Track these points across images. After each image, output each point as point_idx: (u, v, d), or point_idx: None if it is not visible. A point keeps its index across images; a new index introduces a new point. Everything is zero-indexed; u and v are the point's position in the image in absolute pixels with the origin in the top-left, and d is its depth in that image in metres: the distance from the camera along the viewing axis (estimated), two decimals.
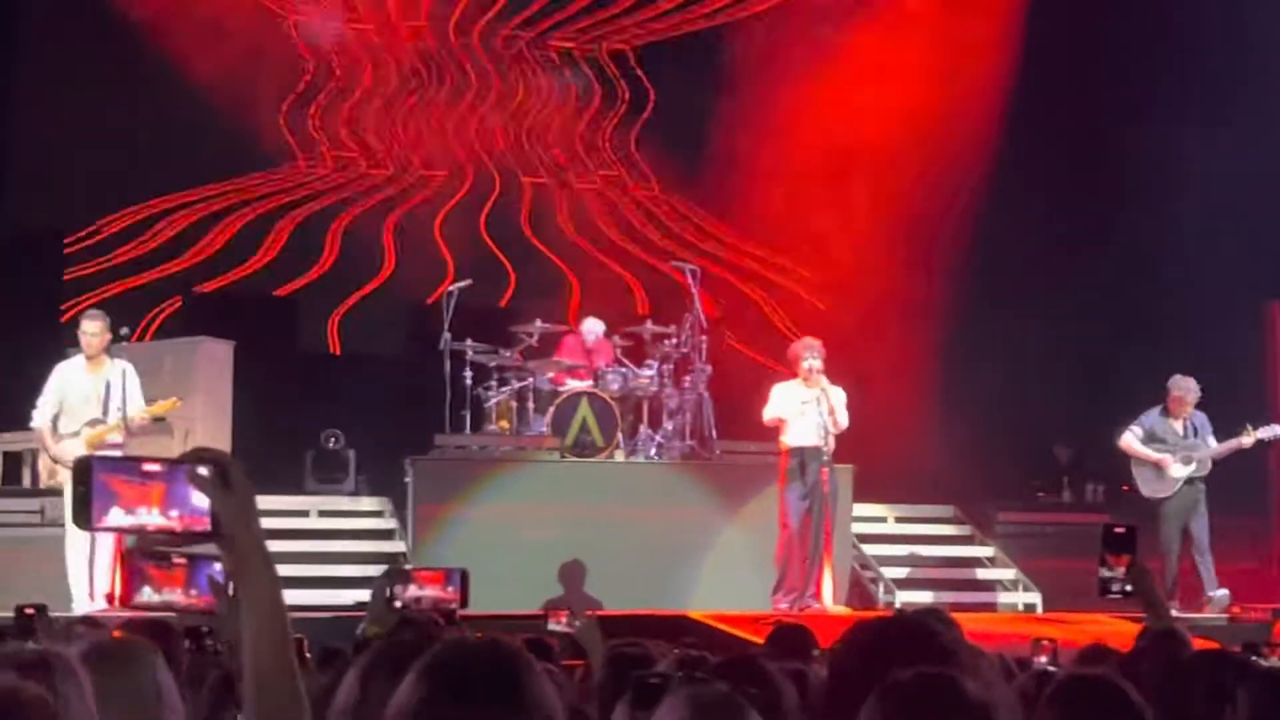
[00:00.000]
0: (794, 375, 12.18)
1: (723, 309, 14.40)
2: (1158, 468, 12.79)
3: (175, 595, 2.42)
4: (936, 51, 16.12)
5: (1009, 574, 13.89)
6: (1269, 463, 14.87)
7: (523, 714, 2.14)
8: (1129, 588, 4.22)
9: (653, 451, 13.62)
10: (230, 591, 2.39)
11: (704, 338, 13.97)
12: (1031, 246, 16.22)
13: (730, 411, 13.87)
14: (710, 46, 17.60)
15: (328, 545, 13.05)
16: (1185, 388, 12.81)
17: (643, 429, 13.68)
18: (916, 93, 15.87)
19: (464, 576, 4.89)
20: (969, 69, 16.04)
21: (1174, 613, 11.86)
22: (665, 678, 3.14)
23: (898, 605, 12.56)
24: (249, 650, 2.21)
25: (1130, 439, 12.92)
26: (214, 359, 13.71)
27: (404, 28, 17.64)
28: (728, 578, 12.96)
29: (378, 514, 13.73)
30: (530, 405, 13.68)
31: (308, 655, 5.07)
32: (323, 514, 13.66)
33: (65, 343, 12.16)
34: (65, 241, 15.94)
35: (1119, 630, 9.27)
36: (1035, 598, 13.52)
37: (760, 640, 7.53)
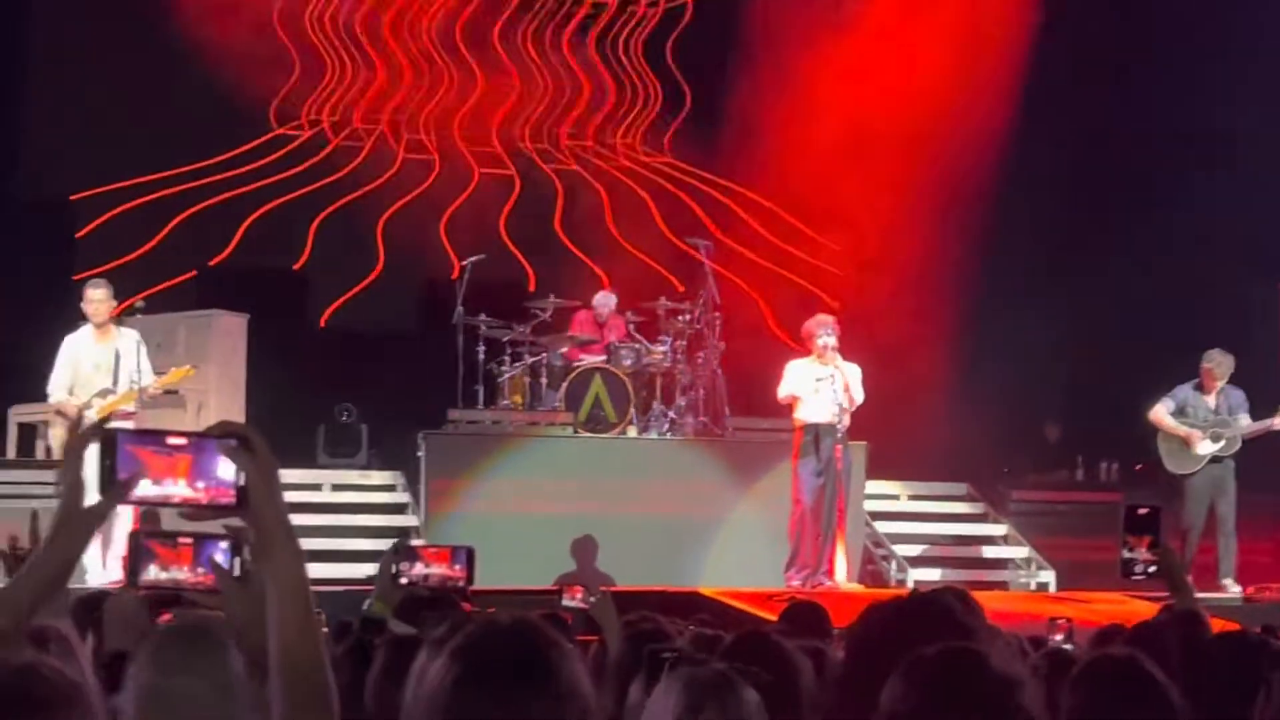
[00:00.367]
0: (808, 352, 12.13)
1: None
2: (1185, 443, 12.51)
3: (182, 574, 2.40)
4: (957, 26, 16.03)
5: (1022, 552, 13.86)
6: None
7: (554, 696, 2.12)
8: (1153, 569, 4.18)
9: (665, 428, 13.61)
10: (238, 571, 2.37)
11: (718, 314, 13.94)
12: (1053, 225, 16.16)
13: (744, 388, 13.85)
14: (728, 17, 17.53)
15: (340, 519, 13.05)
16: (1217, 361, 12.48)
17: (656, 405, 13.65)
18: (937, 64, 15.79)
19: (470, 554, 4.87)
20: (990, 42, 15.96)
21: None
22: (678, 652, 3.12)
23: (911, 584, 12.54)
24: (274, 626, 2.19)
25: (1160, 411, 12.61)
26: (228, 332, 13.73)
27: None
28: (740, 554, 12.95)
29: (390, 488, 13.73)
30: (543, 380, 13.67)
31: (325, 629, 5.06)
32: (335, 488, 13.67)
33: (78, 316, 12.15)
34: (77, 211, 15.92)
35: (1134, 610, 9.23)
36: (1049, 576, 13.49)
37: (773, 617, 7.52)
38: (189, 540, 2.41)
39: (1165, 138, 15.92)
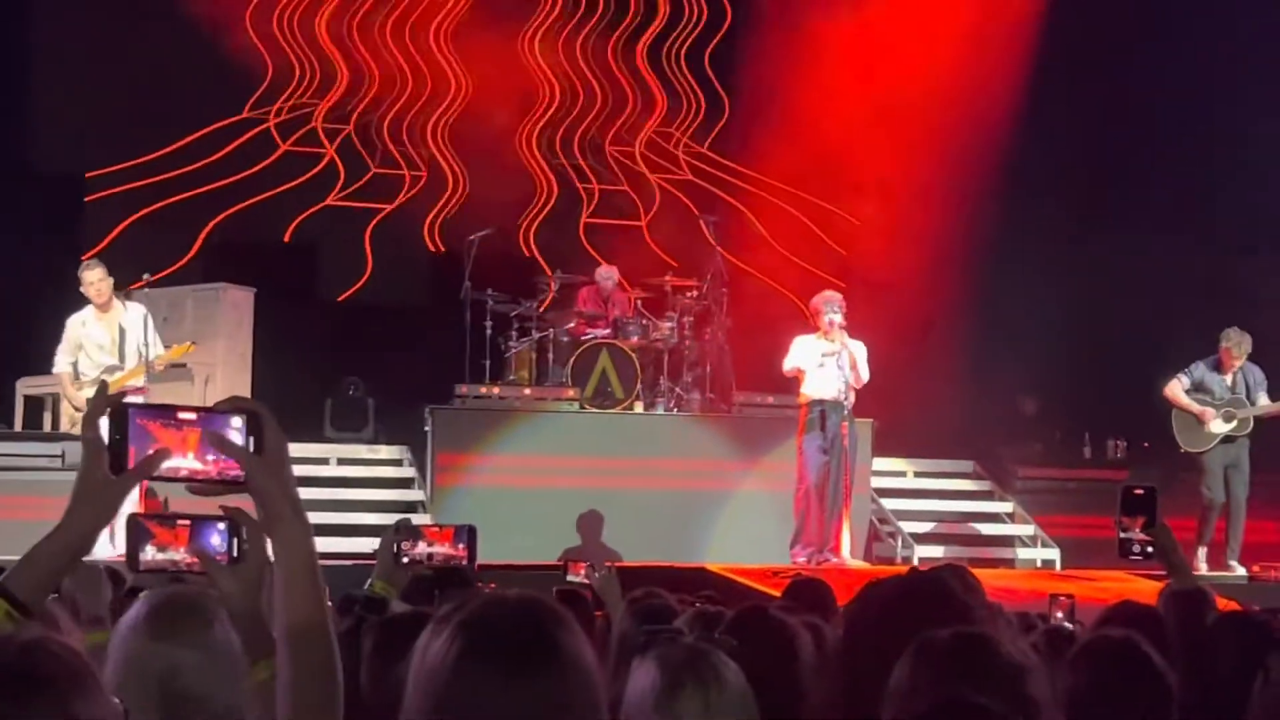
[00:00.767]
0: (815, 328, 12.12)
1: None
2: (1198, 420, 12.40)
3: (179, 555, 2.41)
4: (967, 6, 15.99)
5: (1028, 530, 13.87)
6: None
7: (559, 674, 2.11)
8: (1149, 549, 4.18)
9: (672, 404, 13.62)
10: (235, 553, 2.38)
11: (725, 290, 13.94)
12: (1066, 203, 16.13)
13: (750, 364, 13.85)
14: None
15: (346, 493, 13.07)
16: (1235, 340, 12.34)
17: (662, 381, 13.66)
18: (953, 39, 15.74)
19: (472, 533, 4.87)
20: (1001, 21, 15.90)
21: (1198, 571, 11.85)
22: (677, 632, 3.12)
23: (916, 561, 12.55)
24: (282, 603, 2.20)
25: (1175, 388, 12.47)
26: (235, 305, 13.72)
27: None
28: (746, 530, 12.96)
29: (397, 463, 13.75)
30: (550, 356, 13.68)
31: (329, 603, 5.07)
32: (342, 462, 13.68)
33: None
34: (86, 187, 15.93)
35: (1138, 588, 9.24)
36: (1054, 554, 13.50)
37: (778, 594, 7.53)
38: (186, 522, 2.42)
39: (1177, 111, 15.86)
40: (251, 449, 2.20)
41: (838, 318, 11.92)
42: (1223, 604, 4.90)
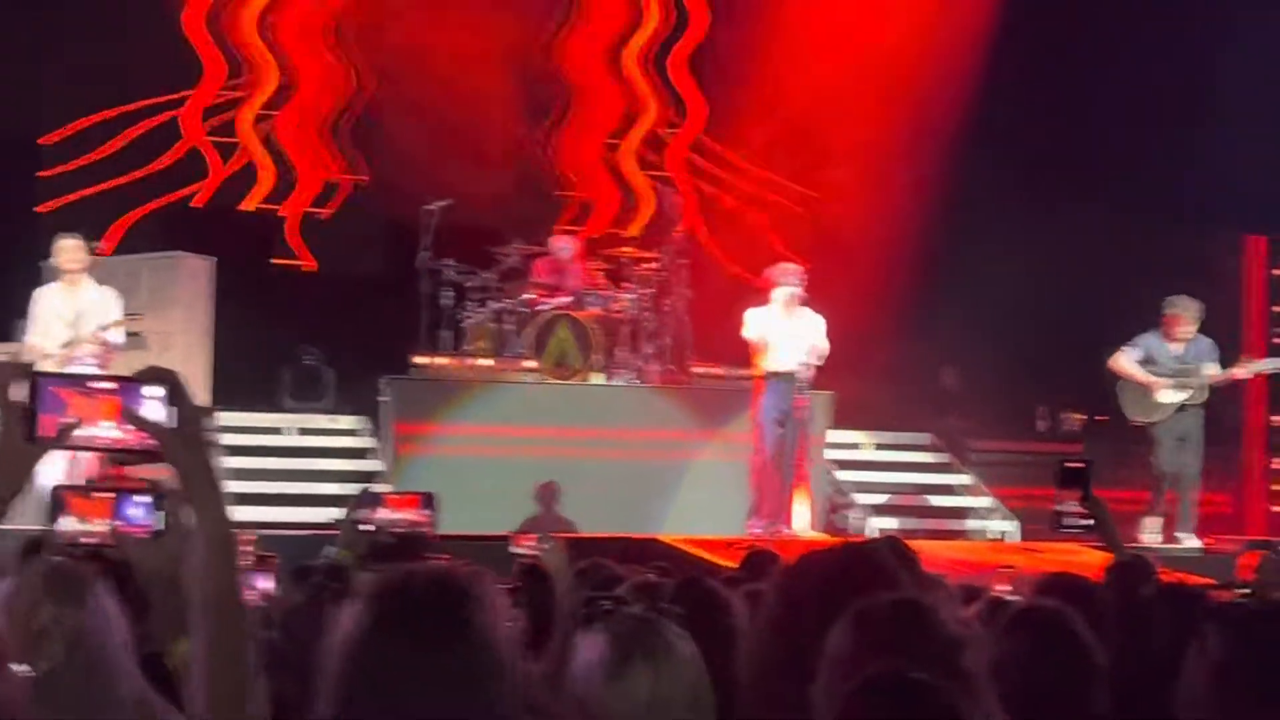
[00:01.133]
0: (770, 300, 12.11)
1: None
2: (1148, 391, 12.35)
3: (99, 526, 2.41)
4: None
5: (984, 502, 13.95)
6: (1245, 394, 14.91)
7: (466, 647, 2.12)
8: (1084, 523, 4.23)
9: (631, 375, 13.63)
10: (160, 525, 2.38)
11: (684, 261, 13.95)
12: (1022, 174, 16.17)
13: (709, 336, 13.86)
14: None
15: (304, 463, 13.06)
16: (1184, 307, 12.22)
17: (621, 352, 13.67)
18: (911, 10, 15.75)
19: (433, 501, 4.88)
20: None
21: (1149, 543, 11.93)
22: (620, 601, 3.12)
23: (872, 532, 12.61)
24: (199, 572, 2.20)
25: (1123, 359, 12.39)
26: (194, 275, 13.66)
27: None
28: (704, 502, 12.99)
29: (355, 432, 13.74)
30: (509, 326, 13.66)
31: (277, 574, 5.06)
32: (301, 431, 13.66)
33: (41, 255, 12.08)
34: (40, 148, 15.78)
35: (1090, 560, 9.29)
36: (1010, 525, 13.59)
37: (733, 564, 7.57)
38: (108, 495, 2.41)
39: (1135, 88, 15.91)
40: (169, 419, 2.20)
41: (796, 290, 11.94)
42: (1171, 577, 4.95)
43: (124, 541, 2.39)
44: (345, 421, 13.87)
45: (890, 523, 13.23)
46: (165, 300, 13.14)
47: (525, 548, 5.13)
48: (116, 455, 2.23)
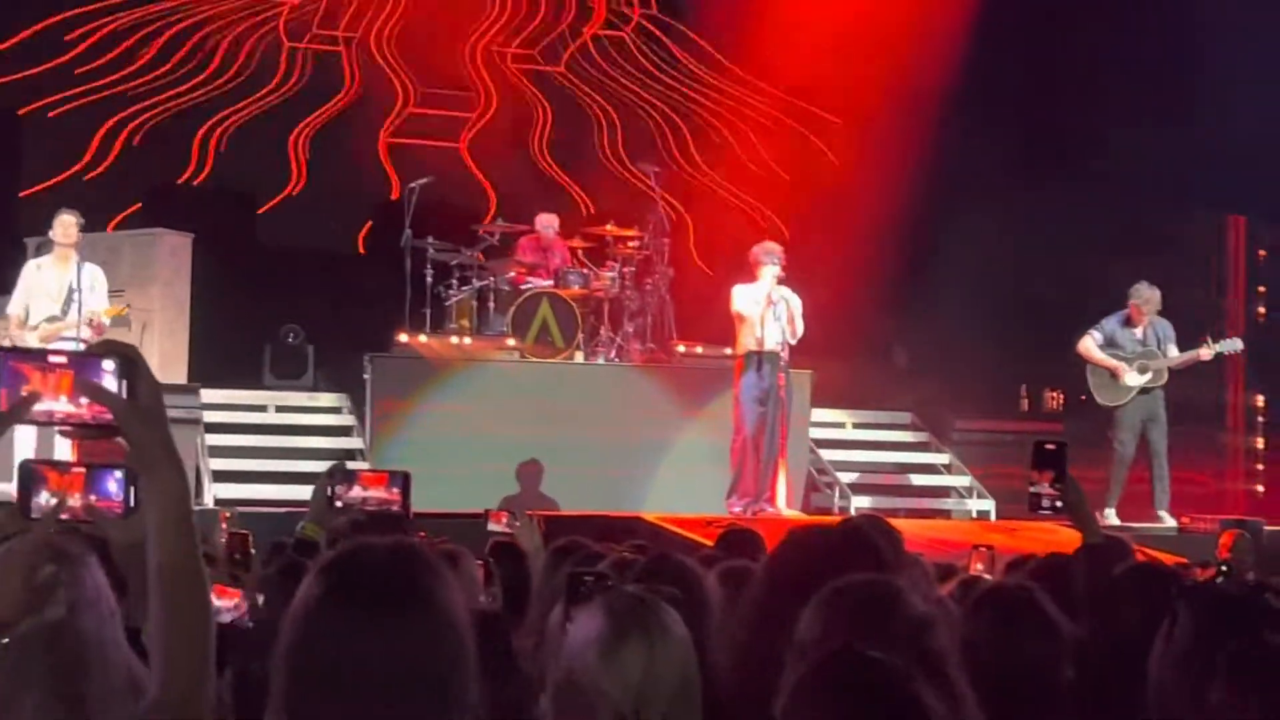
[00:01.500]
0: (754, 278, 12.10)
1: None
2: (1112, 375, 12.61)
3: (73, 500, 2.40)
4: None
5: (964, 481, 14.00)
6: (1226, 375, 14.96)
7: (420, 619, 2.12)
8: (1058, 504, 4.24)
9: (613, 353, 13.63)
10: (132, 502, 2.37)
11: (666, 240, 13.94)
12: (1006, 152, 16.19)
13: (690, 315, 13.86)
14: None
15: (285, 440, 13.05)
16: (1145, 297, 12.58)
17: (603, 330, 13.66)
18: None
19: (406, 480, 4.87)
20: None
21: (1119, 523, 12.01)
22: (599, 576, 3.13)
23: (854, 511, 12.64)
24: (155, 547, 2.19)
25: (1088, 344, 12.69)
26: (173, 252, 13.59)
27: None
28: (684, 480, 13.00)
29: (336, 410, 13.72)
30: (491, 305, 13.65)
31: (252, 551, 5.06)
32: (280, 409, 13.65)
33: (23, 233, 12.08)
34: (21, 124, 15.74)
35: (1069, 539, 9.32)
36: (989, 505, 13.63)
37: (710, 543, 7.57)
38: (81, 469, 2.41)
39: (1120, 68, 15.92)
40: (125, 393, 2.19)
41: (776, 269, 11.93)
42: (1147, 556, 4.96)
43: (98, 516, 2.38)
44: (325, 399, 13.86)
45: (870, 501, 13.27)
46: (145, 277, 13.11)
47: (500, 525, 5.14)
48: (73, 429, 2.22)
